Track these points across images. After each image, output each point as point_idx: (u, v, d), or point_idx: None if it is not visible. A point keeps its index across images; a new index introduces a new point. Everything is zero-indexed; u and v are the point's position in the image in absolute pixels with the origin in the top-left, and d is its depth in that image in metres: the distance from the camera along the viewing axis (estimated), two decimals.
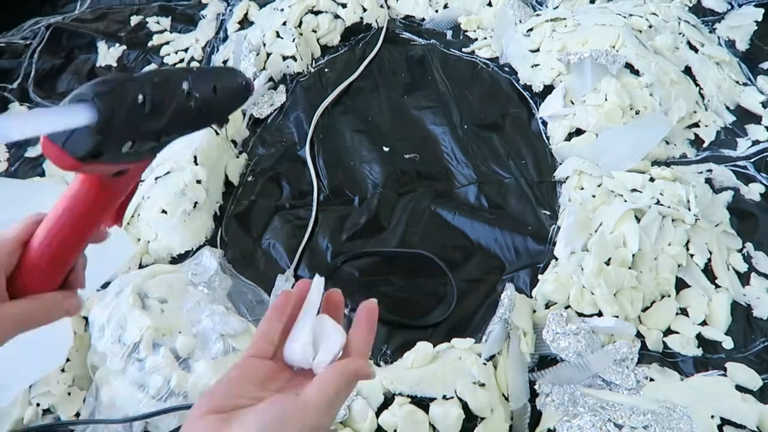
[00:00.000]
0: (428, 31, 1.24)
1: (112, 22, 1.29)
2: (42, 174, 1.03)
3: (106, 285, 0.78)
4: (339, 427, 0.61)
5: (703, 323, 0.76)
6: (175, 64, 1.22)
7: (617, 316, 0.72)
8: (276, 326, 0.42)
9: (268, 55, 1.14)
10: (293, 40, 1.13)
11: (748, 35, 1.12)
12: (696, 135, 0.98)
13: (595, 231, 0.80)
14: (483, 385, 0.63)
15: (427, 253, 0.86)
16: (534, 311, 0.77)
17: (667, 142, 0.95)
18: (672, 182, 0.85)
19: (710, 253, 0.80)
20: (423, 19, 1.27)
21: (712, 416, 0.62)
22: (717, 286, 0.78)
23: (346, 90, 1.13)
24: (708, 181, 0.90)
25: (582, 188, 0.89)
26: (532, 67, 1.06)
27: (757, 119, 1.00)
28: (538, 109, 1.04)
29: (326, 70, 1.16)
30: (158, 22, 1.28)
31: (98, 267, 0.74)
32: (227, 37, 1.25)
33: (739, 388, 0.68)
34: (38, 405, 0.71)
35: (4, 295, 0.36)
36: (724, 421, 0.62)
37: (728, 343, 0.74)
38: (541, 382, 0.69)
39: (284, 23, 1.14)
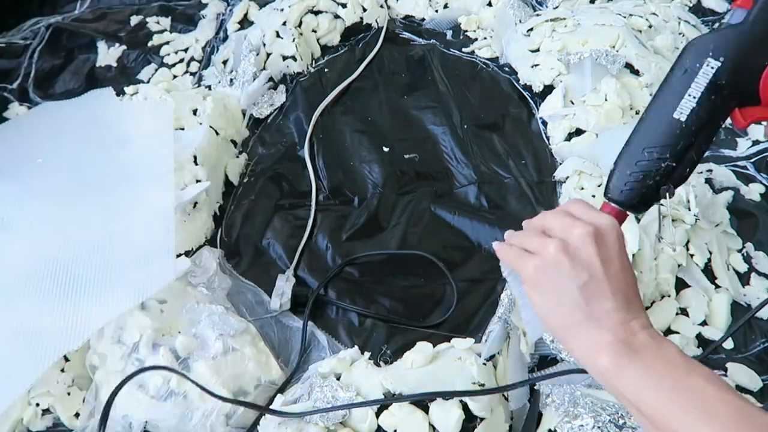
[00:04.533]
0: (428, 31, 1.24)
1: (112, 22, 1.29)
2: None
3: None
4: (339, 427, 0.61)
5: (703, 323, 0.76)
6: (175, 64, 1.22)
7: None
8: None
9: (268, 55, 1.14)
10: (293, 40, 1.13)
11: None
12: None
13: None
14: (483, 385, 0.63)
15: (426, 254, 0.86)
16: None
17: None
18: None
19: (710, 253, 0.80)
20: (423, 19, 1.27)
21: None
22: (717, 286, 0.78)
23: (346, 90, 1.13)
24: (708, 181, 0.90)
25: (582, 188, 0.89)
26: (532, 67, 1.06)
27: None
28: (538, 109, 1.04)
29: (326, 70, 1.16)
30: (158, 22, 1.28)
31: None
32: (227, 37, 1.25)
33: (739, 389, 0.68)
34: (38, 405, 0.71)
35: None
36: None
37: (728, 344, 0.74)
38: (541, 383, 0.69)
39: (284, 23, 1.14)
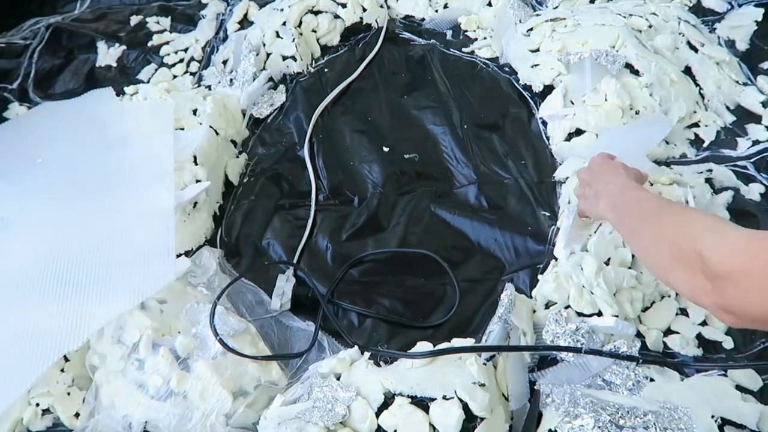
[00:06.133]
0: (428, 31, 1.24)
1: (112, 22, 1.29)
2: None
3: None
4: (339, 426, 0.61)
5: (704, 323, 0.76)
6: (175, 64, 1.22)
7: (617, 316, 0.71)
8: None
9: (268, 55, 1.14)
10: (293, 40, 1.13)
11: (748, 35, 1.12)
12: (696, 135, 0.98)
13: (595, 231, 0.80)
14: (483, 385, 0.63)
15: (432, 254, 0.86)
16: (534, 311, 0.77)
17: (667, 142, 0.95)
18: (669, 186, 0.85)
19: None
20: (423, 19, 1.27)
21: (713, 416, 0.62)
22: None
23: (346, 90, 1.13)
24: (708, 181, 0.90)
25: None
26: (532, 67, 1.05)
27: (757, 119, 1.00)
28: (538, 109, 1.04)
29: (326, 70, 1.16)
30: (158, 22, 1.28)
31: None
32: (227, 37, 1.25)
33: (740, 389, 0.67)
34: (38, 405, 0.71)
35: None
36: (725, 422, 0.62)
37: (728, 343, 0.74)
38: (541, 382, 0.69)
39: (284, 23, 1.14)
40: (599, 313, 0.73)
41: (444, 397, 0.61)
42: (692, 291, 0.51)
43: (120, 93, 1.13)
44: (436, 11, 1.27)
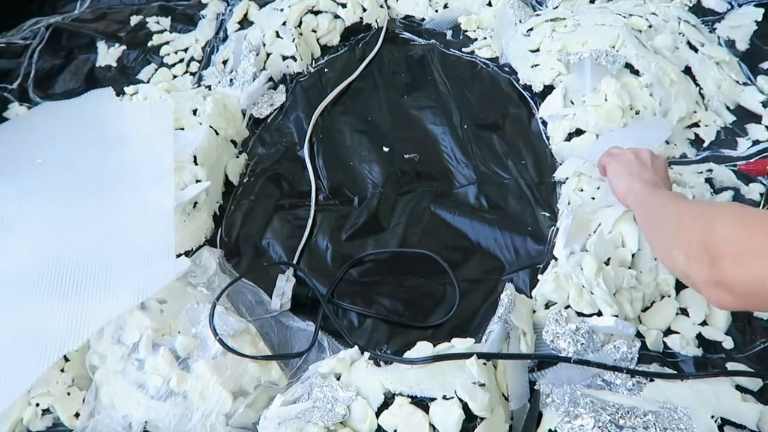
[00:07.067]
0: (428, 31, 1.24)
1: (112, 22, 1.29)
2: None
3: None
4: (339, 426, 0.61)
5: (704, 323, 0.76)
6: (175, 64, 1.22)
7: (617, 316, 0.71)
8: None
9: (268, 55, 1.14)
10: (293, 40, 1.13)
11: (748, 35, 1.12)
12: (696, 135, 0.98)
13: (594, 231, 0.80)
14: (483, 385, 0.63)
15: (432, 254, 0.86)
16: (534, 311, 0.77)
17: (667, 142, 0.95)
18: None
19: None
20: (423, 19, 1.27)
21: (713, 416, 0.62)
22: None
23: (346, 90, 1.13)
24: (708, 181, 0.90)
25: (581, 190, 0.89)
26: (532, 67, 1.05)
27: (757, 119, 1.00)
28: (538, 109, 1.04)
29: (326, 70, 1.16)
30: (158, 22, 1.28)
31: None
32: (227, 37, 1.25)
33: (740, 389, 0.67)
34: (38, 405, 0.71)
35: None
36: (725, 422, 0.62)
37: (728, 343, 0.74)
38: (541, 383, 0.69)
39: (284, 23, 1.14)
40: (599, 313, 0.73)
41: (444, 397, 0.61)
42: (688, 265, 0.52)
43: (120, 93, 1.12)
44: (436, 11, 1.27)
